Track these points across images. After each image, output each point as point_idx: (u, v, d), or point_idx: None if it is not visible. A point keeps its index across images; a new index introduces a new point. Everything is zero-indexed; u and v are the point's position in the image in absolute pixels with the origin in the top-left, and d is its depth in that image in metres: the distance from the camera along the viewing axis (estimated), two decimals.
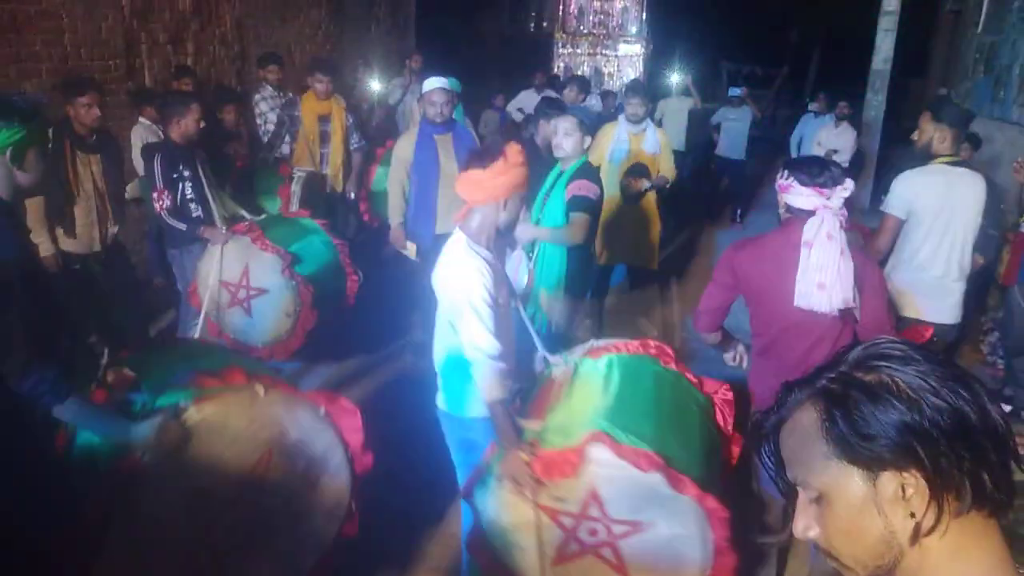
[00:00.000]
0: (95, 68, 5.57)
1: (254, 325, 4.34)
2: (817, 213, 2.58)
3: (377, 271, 6.67)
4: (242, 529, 2.33)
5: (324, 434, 2.48)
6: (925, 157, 3.69)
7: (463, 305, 2.44)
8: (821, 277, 2.54)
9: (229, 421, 2.26)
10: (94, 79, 4.66)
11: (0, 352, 1.92)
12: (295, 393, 2.49)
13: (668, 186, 5.76)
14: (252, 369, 2.50)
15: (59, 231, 4.28)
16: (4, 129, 2.08)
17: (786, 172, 2.67)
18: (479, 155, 2.52)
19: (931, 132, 3.66)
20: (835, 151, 8.43)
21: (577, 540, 2.41)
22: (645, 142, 5.61)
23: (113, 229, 4.60)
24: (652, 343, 2.96)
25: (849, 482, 0.92)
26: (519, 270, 3.97)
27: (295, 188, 5.69)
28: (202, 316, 4.27)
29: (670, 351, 2.93)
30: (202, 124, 4.39)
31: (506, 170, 2.46)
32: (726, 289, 2.88)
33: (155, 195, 4.26)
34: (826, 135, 8.70)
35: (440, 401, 2.77)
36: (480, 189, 2.49)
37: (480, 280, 2.44)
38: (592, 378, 2.71)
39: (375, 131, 7.44)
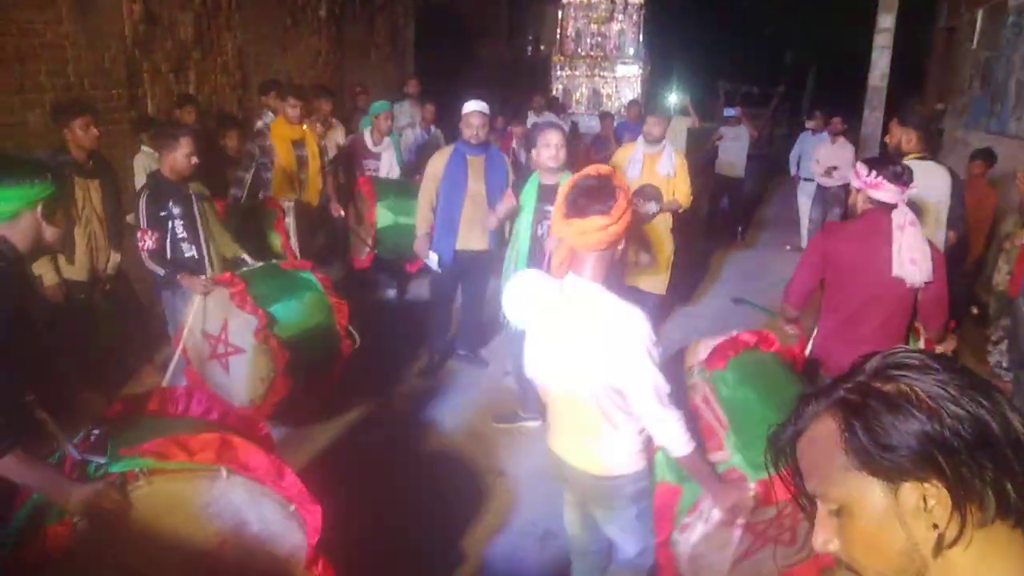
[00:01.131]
0: (98, 97, 5.62)
1: (231, 384, 4.00)
2: (900, 205, 3.13)
3: (377, 315, 6.67)
4: None
5: (291, 535, 2.17)
6: (897, 156, 4.21)
7: (639, 357, 2.15)
8: (913, 255, 3.10)
9: (182, 500, 2.05)
10: (87, 101, 4.66)
11: None
12: (266, 483, 2.17)
13: (682, 211, 5.60)
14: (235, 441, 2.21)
15: (61, 259, 4.29)
16: (38, 184, 2.12)
17: (873, 172, 3.16)
18: (591, 198, 2.15)
19: (899, 134, 4.28)
20: (835, 167, 8.46)
21: (764, 536, 2.42)
22: (659, 164, 5.54)
23: (116, 256, 4.61)
24: (751, 335, 2.86)
25: (870, 494, 0.91)
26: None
27: (289, 220, 5.57)
28: (172, 363, 4.00)
29: (768, 336, 2.88)
30: (194, 160, 4.07)
31: (626, 207, 2.19)
32: (815, 268, 3.34)
33: (139, 234, 4.00)
34: (824, 152, 8.72)
35: (591, 466, 2.40)
36: (604, 235, 2.16)
37: (648, 326, 2.19)
38: (738, 392, 2.58)
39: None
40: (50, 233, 2.19)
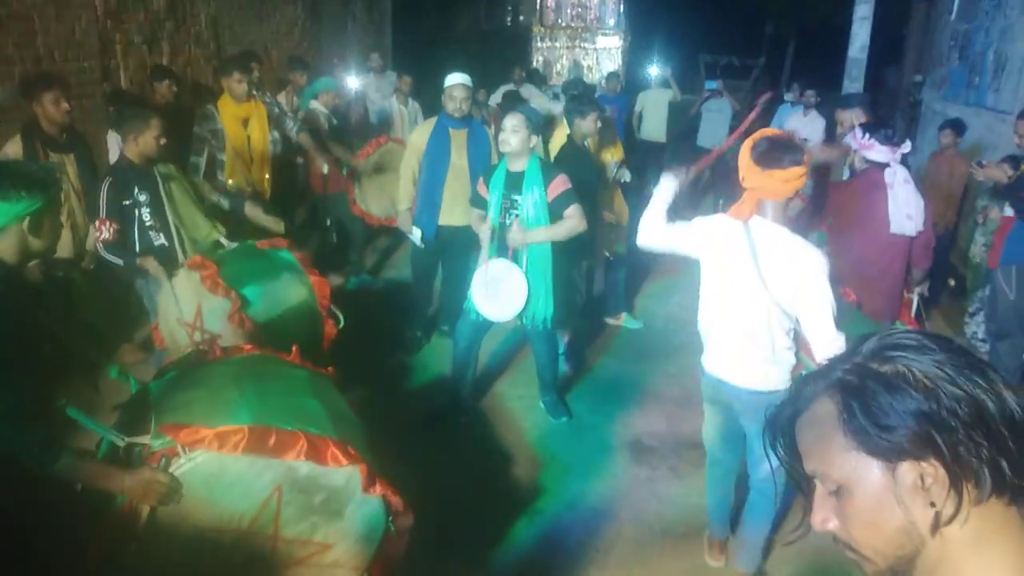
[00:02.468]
0: (70, 70, 5.47)
1: None
2: (892, 164, 3.54)
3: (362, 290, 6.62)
4: (260, 565, 2.20)
5: (340, 469, 2.22)
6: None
7: (823, 282, 2.56)
8: (908, 210, 3.52)
9: (226, 465, 2.11)
10: (57, 75, 4.51)
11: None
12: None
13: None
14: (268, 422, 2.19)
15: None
16: (26, 199, 2.11)
17: (866, 135, 3.61)
18: (787, 151, 2.57)
19: (848, 119, 4.56)
20: (805, 140, 8.45)
21: None
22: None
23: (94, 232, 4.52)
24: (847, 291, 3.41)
25: (868, 473, 0.92)
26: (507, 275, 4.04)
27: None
28: (153, 356, 3.81)
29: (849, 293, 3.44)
30: (163, 141, 3.91)
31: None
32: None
33: (96, 223, 3.81)
34: (795, 124, 8.73)
35: (753, 382, 2.80)
36: (799, 183, 2.59)
37: (826, 259, 2.61)
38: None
39: (355, 128, 7.31)
40: (36, 244, 2.19)
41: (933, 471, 0.88)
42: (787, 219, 2.72)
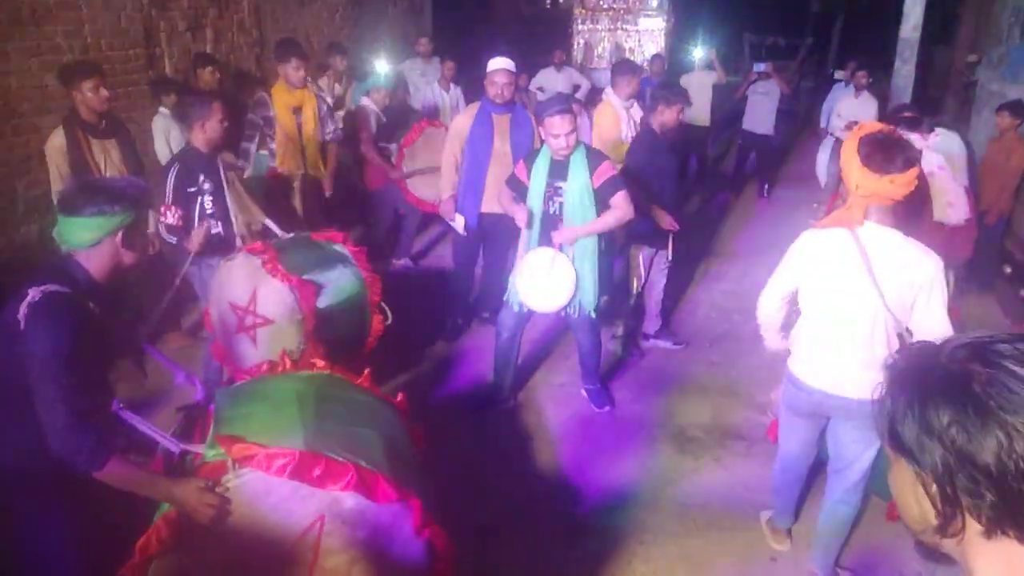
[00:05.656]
0: (115, 58, 5.56)
1: (260, 357, 3.64)
2: (924, 152, 3.23)
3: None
4: None
5: (388, 507, 2.17)
6: None
7: (941, 280, 2.54)
8: (949, 198, 3.41)
9: (272, 487, 2.08)
10: (96, 63, 4.56)
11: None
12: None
13: None
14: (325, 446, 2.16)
15: None
16: (119, 213, 2.19)
17: (895, 126, 3.28)
18: (903, 149, 2.45)
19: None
20: (856, 123, 8.20)
21: None
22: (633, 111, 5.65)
23: None
24: None
25: (897, 458, 1.00)
26: (558, 270, 3.98)
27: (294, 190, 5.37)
28: (207, 344, 3.92)
29: None
30: (225, 124, 3.98)
31: None
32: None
33: (161, 209, 3.83)
34: (847, 106, 8.46)
35: (866, 392, 2.78)
36: (911, 185, 2.46)
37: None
38: None
39: (391, 115, 7.22)
40: (128, 257, 2.27)
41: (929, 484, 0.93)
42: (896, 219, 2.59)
